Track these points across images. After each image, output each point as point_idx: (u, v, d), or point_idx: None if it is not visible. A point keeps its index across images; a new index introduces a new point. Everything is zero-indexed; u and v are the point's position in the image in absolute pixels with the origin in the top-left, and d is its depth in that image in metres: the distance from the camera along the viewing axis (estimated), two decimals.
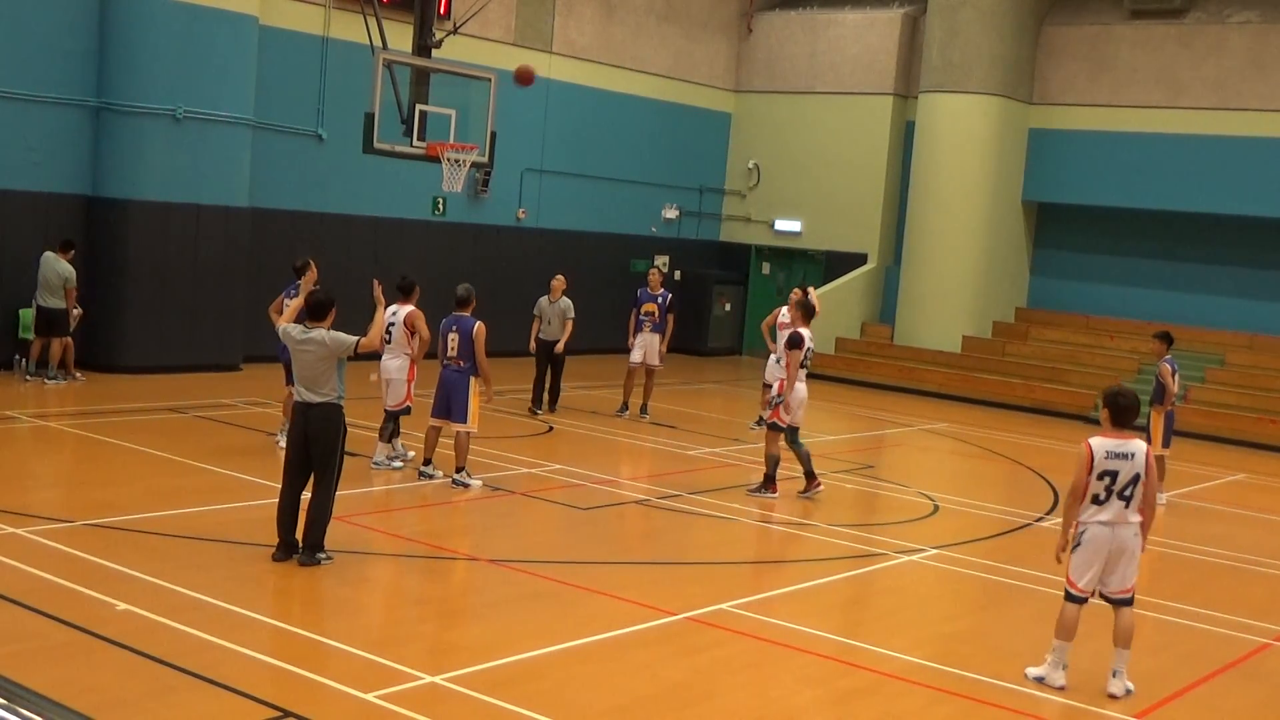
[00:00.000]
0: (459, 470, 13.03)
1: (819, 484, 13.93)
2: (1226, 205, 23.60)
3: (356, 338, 9.99)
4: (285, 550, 9.89)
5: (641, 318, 18.36)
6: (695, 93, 27.80)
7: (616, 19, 25.93)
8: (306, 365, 9.87)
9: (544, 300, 17.95)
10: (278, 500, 9.99)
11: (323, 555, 9.89)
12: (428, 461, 13.27)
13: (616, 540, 12.16)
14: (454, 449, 13.10)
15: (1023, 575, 11.49)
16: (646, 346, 18.26)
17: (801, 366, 13.68)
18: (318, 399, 9.84)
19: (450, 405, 12.99)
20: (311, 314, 10.14)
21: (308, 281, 14.50)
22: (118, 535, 10.29)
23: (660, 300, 18.40)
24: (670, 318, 18.46)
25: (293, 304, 14.14)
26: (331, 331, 9.93)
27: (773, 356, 16.88)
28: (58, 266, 17.21)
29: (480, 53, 21.84)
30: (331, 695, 7.39)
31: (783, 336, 17.74)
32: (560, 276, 18.09)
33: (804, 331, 13.77)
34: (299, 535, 9.92)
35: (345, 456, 10.11)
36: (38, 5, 17.91)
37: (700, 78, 27.87)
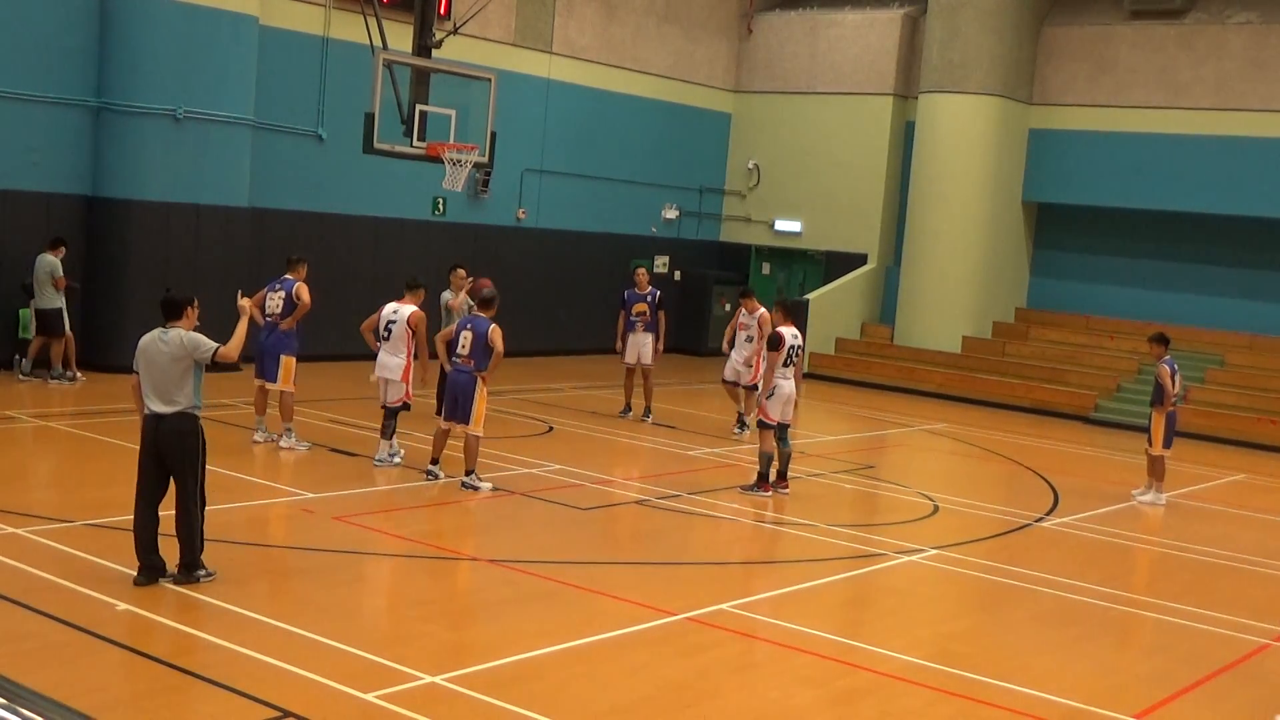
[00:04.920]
0: (469, 473, 12.97)
1: (787, 486, 13.98)
2: (1226, 205, 23.58)
3: (216, 345, 9.06)
4: (148, 574, 9.02)
5: (633, 319, 18.07)
6: (695, 93, 27.79)
7: (617, 19, 25.93)
8: (160, 370, 8.98)
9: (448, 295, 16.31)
10: (133, 521, 9.11)
11: (201, 573, 9.17)
12: (434, 461, 13.24)
13: (616, 540, 12.16)
14: (464, 452, 13.05)
15: (1023, 575, 11.49)
16: (639, 346, 18.10)
17: (786, 365, 13.82)
18: (170, 409, 8.97)
19: (457, 407, 12.93)
20: (164, 313, 9.15)
21: (298, 277, 14.56)
22: (118, 535, 10.28)
23: (650, 299, 18.16)
24: (662, 315, 18.19)
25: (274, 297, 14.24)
26: (190, 333, 9.07)
27: (733, 354, 17.50)
28: (40, 260, 17.25)
29: (480, 53, 21.85)
30: (331, 695, 7.39)
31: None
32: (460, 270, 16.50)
33: (784, 331, 13.84)
34: (179, 555, 9.15)
35: (206, 468, 9.26)
36: (37, 5, 17.91)
37: (700, 78, 27.86)
